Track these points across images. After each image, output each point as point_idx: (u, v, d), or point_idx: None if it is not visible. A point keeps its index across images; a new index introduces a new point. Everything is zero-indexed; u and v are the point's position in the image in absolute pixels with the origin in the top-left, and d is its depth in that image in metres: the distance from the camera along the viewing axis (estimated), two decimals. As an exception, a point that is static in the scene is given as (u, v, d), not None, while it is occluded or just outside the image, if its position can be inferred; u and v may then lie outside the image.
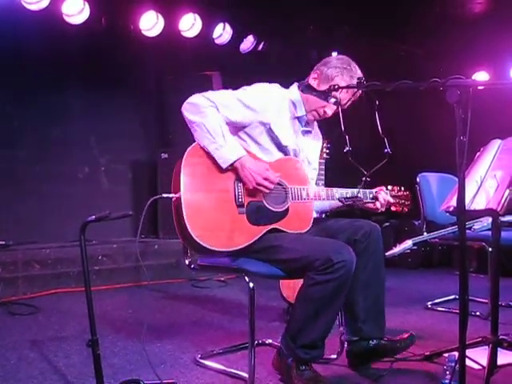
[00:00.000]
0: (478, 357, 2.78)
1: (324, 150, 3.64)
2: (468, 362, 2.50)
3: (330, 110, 2.90)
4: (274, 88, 2.91)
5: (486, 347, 2.63)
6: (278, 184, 2.75)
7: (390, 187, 3.04)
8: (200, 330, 3.61)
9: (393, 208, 3.04)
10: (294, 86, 2.96)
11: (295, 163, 2.88)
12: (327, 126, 3.19)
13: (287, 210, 2.75)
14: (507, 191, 2.51)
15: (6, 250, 4.72)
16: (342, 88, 2.69)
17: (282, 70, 5.73)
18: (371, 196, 2.94)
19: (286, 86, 2.98)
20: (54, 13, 4.89)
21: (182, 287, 5.01)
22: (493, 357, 2.56)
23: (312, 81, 2.91)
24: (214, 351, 3.11)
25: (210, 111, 2.68)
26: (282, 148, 2.86)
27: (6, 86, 4.99)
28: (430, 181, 4.48)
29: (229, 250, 2.63)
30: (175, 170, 2.65)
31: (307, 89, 2.91)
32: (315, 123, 3.10)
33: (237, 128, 2.81)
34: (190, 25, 5.61)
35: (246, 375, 2.65)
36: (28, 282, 4.59)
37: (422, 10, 5.71)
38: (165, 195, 2.64)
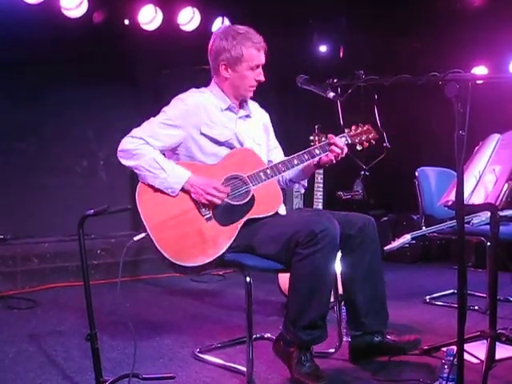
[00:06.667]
0: (476, 351, 2.78)
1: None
2: (466, 356, 2.52)
3: (260, 75, 2.85)
4: (189, 95, 2.90)
5: (485, 341, 2.63)
6: (235, 178, 2.76)
7: (346, 130, 2.96)
8: (198, 325, 3.61)
9: (358, 147, 2.96)
10: (212, 82, 2.94)
11: (245, 152, 2.86)
12: (325, 119, 3.15)
13: (253, 197, 2.74)
14: (506, 185, 2.51)
15: (5, 244, 4.73)
16: (343, 84, 2.64)
17: (281, 62, 5.71)
18: (328, 148, 2.87)
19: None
20: (53, 6, 4.88)
21: (180, 281, 5.00)
22: (491, 351, 2.56)
23: (224, 72, 2.86)
24: (212, 345, 3.12)
25: (141, 151, 2.74)
26: (224, 144, 2.84)
27: (4, 80, 4.97)
28: (429, 175, 4.46)
29: (214, 258, 2.64)
30: (136, 209, 2.71)
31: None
32: (252, 104, 3.03)
33: (175, 148, 2.84)
34: (188, 18, 5.59)
35: (244, 369, 2.66)
36: (26, 276, 4.59)
37: (421, 4, 5.69)
38: (136, 238, 2.68)
